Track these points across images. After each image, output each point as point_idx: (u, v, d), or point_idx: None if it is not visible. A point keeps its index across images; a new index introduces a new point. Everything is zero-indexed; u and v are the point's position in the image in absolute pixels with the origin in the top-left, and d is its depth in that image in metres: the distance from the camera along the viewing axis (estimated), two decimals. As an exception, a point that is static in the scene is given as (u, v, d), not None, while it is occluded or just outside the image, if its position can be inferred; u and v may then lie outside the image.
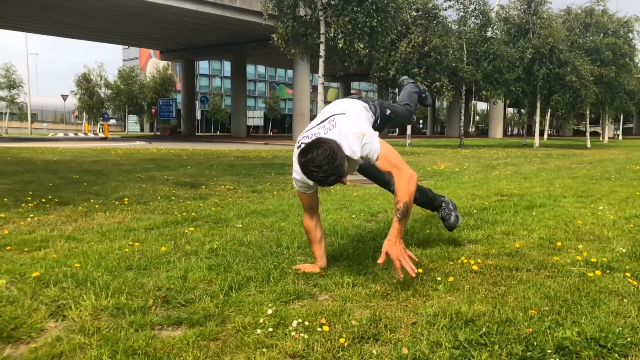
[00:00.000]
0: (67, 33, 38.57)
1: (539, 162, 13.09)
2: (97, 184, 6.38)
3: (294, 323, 2.09)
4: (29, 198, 5.09)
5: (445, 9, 21.95)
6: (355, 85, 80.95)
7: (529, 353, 1.87)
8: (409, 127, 22.96)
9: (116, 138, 35.50)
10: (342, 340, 1.93)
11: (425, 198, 3.40)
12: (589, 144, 26.93)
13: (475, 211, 4.88)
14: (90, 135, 44.05)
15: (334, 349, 1.89)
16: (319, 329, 2.04)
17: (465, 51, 22.43)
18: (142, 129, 66.43)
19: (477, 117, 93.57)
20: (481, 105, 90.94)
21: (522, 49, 23.54)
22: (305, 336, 1.99)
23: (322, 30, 14.98)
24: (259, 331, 2.04)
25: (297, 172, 2.77)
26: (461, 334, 2.01)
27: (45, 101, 71.06)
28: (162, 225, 4.14)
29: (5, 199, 5.04)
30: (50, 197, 5.19)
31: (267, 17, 15.89)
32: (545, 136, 40.25)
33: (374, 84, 26.58)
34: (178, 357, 1.83)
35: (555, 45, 23.36)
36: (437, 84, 20.41)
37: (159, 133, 49.94)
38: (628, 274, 2.75)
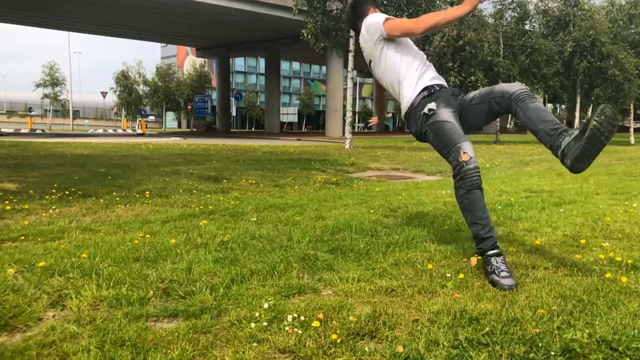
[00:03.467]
0: (108, 31, 39.57)
1: (576, 158, 12.62)
2: (123, 177, 6.47)
3: (289, 318, 2.03)
4: (54, 190, 5.20)
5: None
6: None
7: (531, 355, 1.76)
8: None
9: (153, 134, 36.22)
10: (334, 336, 1.86)
11: (473, 215, 2.77)
12: (632, 140, 25.86)
13: (499, 207, 4.72)
14: (129, 131, 45.05)
15: (325, 345, 1.82)
16: (314, 325, 1.98)
17: (502, 45, 21.89)
18: (179, 126, 67.62)
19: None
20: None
21: (562, 42, 22.80)
22: (299, 331, 1.93)
23: (353, 24, 14.78)
24: (253, 325, 1.99)
25: None
26: (463, 333, 1.91)
27: (87, 98, 73.18)
28: (179, 218, 4.15)
29: (31, 191, 5.16)
30: (74, 189, 5.29)
31: (296, 12, 15.85)
32: (587, 132, 38.92)
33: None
34: (166, 349, 1.80)
35: (597, 37, 22.54)
36: (472, 78, 19.98)
37: (195, 129, 50.73)
38: (652, 274, 2.58)
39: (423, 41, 19.46)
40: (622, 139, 30.36)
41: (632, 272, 2.70)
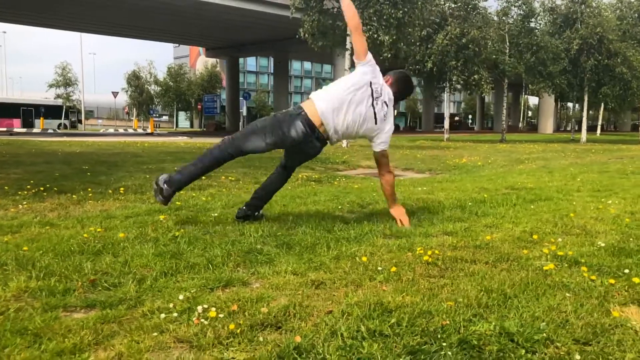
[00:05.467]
0: (118, 32, 39.95)
1: (575, 156, 12.50)
2: (105, 174, 6.53)
3: (199, 309, 2.04)
4: (29, 187, 5.26)
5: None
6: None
7: (425, 346, 1.74)
8: (446, 122, 22.44)
9: (162, 133, 36.52)
10: (232, 326, 1.86)
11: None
12: (642, 139, 25.57)
13: (470, 204, 4.68)
14: (139, 130, 45.40)
15: (223, 335, 1.83)
16: (221, 315, 1.98)
17: (507, 43, 21.70)
18: (191, 125, 68.01)
19: (530, 112, 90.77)
20: (534, 100, 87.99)
21: (569, 40, 22.53)
22: (205, 322, 1.93)
23: (350, 22, 14.69)
24: (162, 316, 2.00)
25: None
26: (368, 325, 1.90)
27: (100, 98, 73.82)
28: (144, 214, 4.17)
29: (6, 187, 5.22)
30: (49, 185, 5.34)
31: (294, 11, 15.85)
32: (598, 131, 38.49)
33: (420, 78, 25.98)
34: (63, 337, 1.81)
35: (604, 35, 22.23)
36: (475, 77, 19.84)
37: (205, 129, 51.00)
38: (585, 268, 2.55)
39: (426, 40, 19.33)
40: (633, 138, 29.96)
41: (570, 266, 2.66)
